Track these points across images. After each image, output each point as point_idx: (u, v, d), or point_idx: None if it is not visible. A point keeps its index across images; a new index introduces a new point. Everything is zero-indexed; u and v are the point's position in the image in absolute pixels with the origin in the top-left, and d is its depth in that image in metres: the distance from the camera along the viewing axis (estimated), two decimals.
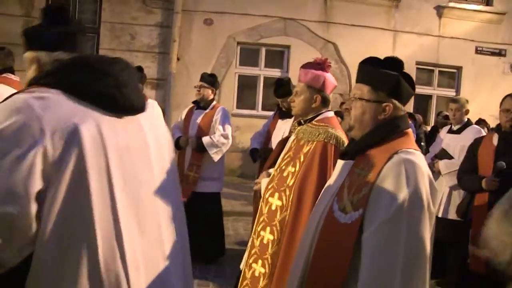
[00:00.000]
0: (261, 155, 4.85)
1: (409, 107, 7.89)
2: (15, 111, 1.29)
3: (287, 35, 9.48)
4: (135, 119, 1.51)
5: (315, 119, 2.79)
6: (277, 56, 9.83)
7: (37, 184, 1.25)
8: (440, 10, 10.14)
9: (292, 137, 2.89)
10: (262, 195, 2.79)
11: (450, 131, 5.01)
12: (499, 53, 10.67)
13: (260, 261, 2.67)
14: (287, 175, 2.67)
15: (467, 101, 5.08)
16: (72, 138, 1.31)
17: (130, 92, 1.49)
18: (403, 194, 1.69)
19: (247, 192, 8.05)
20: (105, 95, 1.42)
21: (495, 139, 3.75)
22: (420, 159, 1.80)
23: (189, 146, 4.93)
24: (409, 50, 9.97)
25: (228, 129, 5.04)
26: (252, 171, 8.40)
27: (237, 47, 9.62)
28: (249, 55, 9.80)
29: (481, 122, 6.62)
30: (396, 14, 9.95)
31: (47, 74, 1.44)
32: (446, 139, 4.99)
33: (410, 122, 2.47)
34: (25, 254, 1.25)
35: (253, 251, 2.72)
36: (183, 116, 5.21)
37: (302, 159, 2.65)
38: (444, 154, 4.76)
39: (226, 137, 4.96)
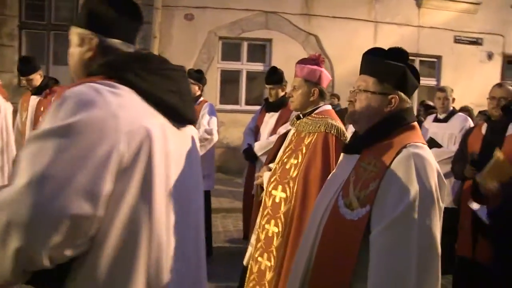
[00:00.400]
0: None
1: None
2: (92, 103, 1.22)
3: (268, 29, 9.49)
4: (187, 129, 1.52)
5: (314, 112, 2.85)
6: (259, 50, 9.84)
7: (109, 186, 1.22)
8: (419, 1, 10.30)
9: (292, 131, 2.93)
10: (265, 189, 2.83)
11: (436, 120, 5.10)
12: (476, 42, 10.88)
13: (265, 255, 2.70)
14: (289, 167, 2.71)
15: (452, 89, 5.17)
16: (144, 142, 1.29)
17: (189, 102, 1.51)
18: (413, 190, 1.64)
19: (234, 188, 8.05)
20: (170, 104, 1.41)
21: (483, 128, 3.81)
22: (428, 153, 1.76)
23: None
24: (390, 41, 10.02)
25: (213, 124, 5.03)
26: (237, 167, 8.40)
27: (218, 42, 9.59)
28: (231, 50, 9.78)
29: (465, 109, 6.70)
30: (377, 5, 10.05)
31: (112, 65, 1.37)
32: (433, 128, 5.07)
33: None
34: (77, 253, 1.22)
35: (258, 245, 2.75)
36: None
37: (304, 151, 2.69)
38: (432, 143, 4.83)
39: (209, 132, 4.95)
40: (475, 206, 3.10)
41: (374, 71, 1.88)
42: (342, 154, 2.05)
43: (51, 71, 8.75)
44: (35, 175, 1.13)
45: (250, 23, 9.47)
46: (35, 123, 4.89)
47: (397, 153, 1.72)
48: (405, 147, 1.74)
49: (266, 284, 2.65)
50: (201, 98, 5.16)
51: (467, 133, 4.06)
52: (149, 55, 1.47)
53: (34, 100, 4.96)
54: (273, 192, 2.73)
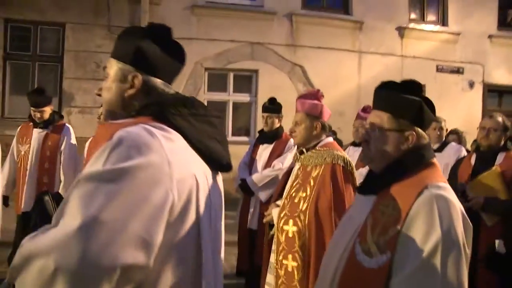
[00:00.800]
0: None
1: None
2: (148, 147, 1.19)
3: (254, 59, 9.57)
4: (219, 176, 1.52)
5: (318, 145, 2.88)
6: (245, 81, 9.89)
7: (161, 235, 1.17)
8: (401, 31, 10.53)
9: (297, 166, 2.96)
10: (276, 225, 2.82)
11: None
12: (458, 71, 11.13)
13: None
14: (298, 201, 2.73)
15: (444, 120, 5.23)
16: (192, 191, 1.28)
17: (228, 150, 1.51)
18: (437, 235, 1.53)
19: (225, 220, 7.89)
20: (214, 152, 1.42)
21: (473, 159, 3.91)
22: (452, 194, 1.66)
23: None
24: (374, 71, 10.25)
25: None
26: (229, 199, 8.29)
27: (204, 73, 9.62)
28: (217, 81, 9.81)
29: (454, 132, 6.77)
30: (361, 35, 10.24)
31: (162, 108, 1.35)
32: None
33: None
34: None
35: (279, 281, 2.73)
36: None
37: (312, 183, 2.72)
38: None
39: None
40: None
41: (389, 106, 1.80)
42: (357, 195, 1.96)
43: None
44: (88, 218, 1.06)
45: (236, 54, 9.54)
46: (41, 157, 4.87)
47: (418, 195, 1.62)
48: (426, 187, 1.64)
49: None
50: None
51: (457, 165, 4.16)
52: (192, 99, 1.46)
53: (39, 133, 4.91)
54: (285, 227, 2.73)
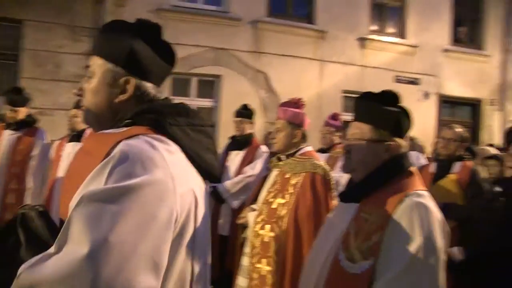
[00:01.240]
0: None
1: None
2: (152, 162, 1.13)
3: (218, 65, 9.61)
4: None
5: (298, 153, 2.93)
6: (208, 86, 9.91)
7: (167, 254, 1.13)
8: (362, 42, 10.85)
9: (275, 172, 3.03)
10: (251, 229, 2.89)
11: None
12: (415, 82, 11.55)
13: None
14: (276, 207, 2.81)
15: None
16: (191, 206, 1.24)
17: (218, 160, 1.45)
18: (418, 242, 1.62)
19: None
20: (209, 164, 1.36)
21: (432, 167, 4.13)
22: (431, 202, 1.75)
23: None
24: (335, 79, 10.52)
25: None
26: None
27: (168, 77, 9.55)
28: (180, 85, 9.78)
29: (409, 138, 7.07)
30: (323, 44, 10.48)
31: (159, 118, 1.27)
32: None
33: None
34: None
35: (253, 284, 2.80)
36: None
37: (291, 191, 2.81)
38: None
39: None
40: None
41: (370, 118, 1.88)
42: (338, 203, 2.04)
43: None
44: (96, 243, 0.99)
45: (200, 59, 9.56)
46: (11, 161, 4.58)
47: (399, 202, 1.71)
48: (407, 195, 1.72)
49: None
50: None
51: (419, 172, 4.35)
52: (186, 107, 1.39)
53: (11, 135, 4.64)
54: (261, 232, 2.80)
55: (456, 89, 12.02)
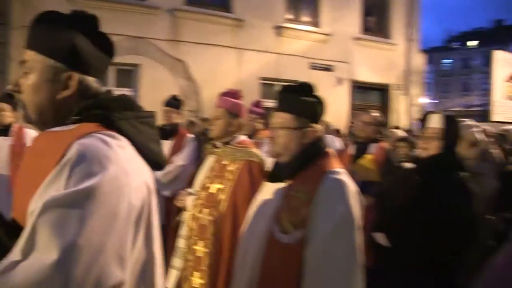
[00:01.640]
0: None
1: None
2: (107, 160, 1.17)
3: (136, 54, 9.56)
4: None
5: (235, 142, 3.15)
6: (127, 75, 9.84)
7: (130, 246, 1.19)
8: (278, 30, 11.26)
9: (212, 158, 3.19)
10: (188, 212, 3.03)
11: None
12: (328, 69, 12.18)
13: (197, 274, 2.90)
14: (214, 192, 2.97)
15: None
16: (145, 198, 1.28)
17: (162, 148, 1.47)
18: (339, 212, 1.92)
19: None
20: (156, 154, 1.40)
21: (351, 149, 4.54)
22: (347, 177, 2.05)
23: None
24: (253, 67, 10.86)
25: None
26: None
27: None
28: None
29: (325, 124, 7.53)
30: (240, 32, 10.75)
31: (108, 113, 1.30)
32: None
33: None
34: None
35: (188, 265, 2.95)
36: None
37: (229, 177, 2.97)
38: None
39: None
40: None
41: (291, 108, 2.13)
42: (266, 184, 2.29)
43: None
44: (65, 248, 1.03)
45: (117, 48, 9.30)
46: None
47: (321, 180, 2.00)
48: (327, 173, 2.02)
49: None
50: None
51: (339, 154, 4.76)
52: (129, 99, 1.42)
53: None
54: (199, 215, 2.95)
55: (367, 75, 12.85)
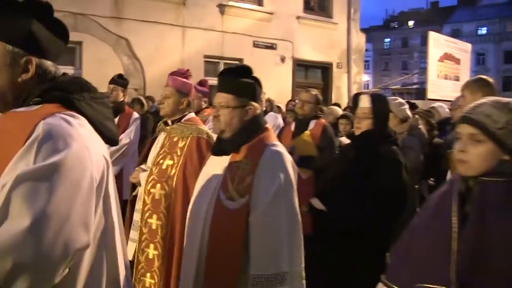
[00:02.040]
0: None
1: None
2: (70, 137, 1.31)
3: (78, 31, 9.40)
4: None
5: (184, 119, 3.34)
6: (69, 53, 9.67)
7: (93, 214, 1.34)
8: (222, 8, 11.37)
9: (163, 135, 3.38)
10: (143, 188, 3.23)
11: None
12: (272, 47, 12.46)
13: (152, 245, 3.12)
14: (166, 167, 3.18)
15: (264, 92, 6.18)
16: (104, 171, 1.44)
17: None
18: (279, 178, 2.17)
19: None
20: (111, 131, 1.56)
21: (293, 126, 4.84)
22: (284, 149, 2.33)
23: None
24: (197, 45, 10.96)
25: None
26: None
27: None
28: None
29: (267, 100, 7.72)
30: (184, 11, 10.79)
31: (67, 94, 1.44)
32: None
33: None
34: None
35: (143, 238, 3.16)
36: None
37: (179, 153, 3.18)
38: None
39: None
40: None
41: (232, 89, 2.34)
42: (211, 157, 2.51)
43: None
44: (36, 215, 1.16)
45: None
46: None
47: (262, 152, 2.25)
48: (267, 146, 2.28)
49: (156, 270, 3.09)
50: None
51: (280, 132, 5.08)
52: (85, 81, 1.56)
53: None
54: (152, 190, 3.15)
55: (309, 53, 13.21)
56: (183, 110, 3.38)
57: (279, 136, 4.98)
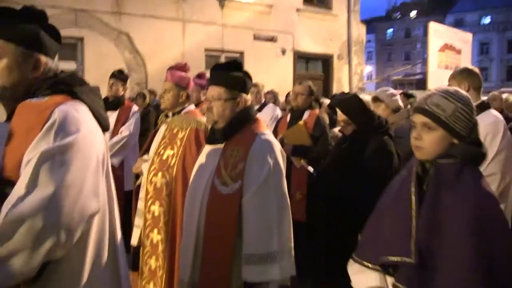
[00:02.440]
0: None
1: None
2: (79, 122, 1.61)
3: (79, 27, 9.59)
4: None
5: (183, 111, 3.52)
6: (70, 49, 9.85)
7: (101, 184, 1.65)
8: (221, 2, 11.55)
9: (163, 127, 3.56)
10: (145, 177, 3.40)
11: None
12: (272, 39, 12.60)
13: (155, 230, 3.31)
14: (166, 157, 3.35)
15: (263, 85, 6.34)
16: (104, 151, 1.74)
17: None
18: (269, 164, 2.34)
19: None
20: (105, 118, 1.84)
21: (288, 117, 4.99)
22: (273, 138, 2.51)
23: None
24: (197, 39, 11.11)
25: None
26: None
27: None
28: None
29: (271, 92, 7.77)
30: (184, 5, 10.94)
31: (72, 87, 1.71)
32: None
33: None
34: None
35: (147, 224, 3.35)
36: None
37: (179, 143, 3.35)
38: None
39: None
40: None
41: (223, 82, 2.50)
42: (206, 146, 2.68)
43: None
44: (59, 185, 1.46)
45: (59, 21, 9.38)
46: None
47: (253, 140, 2.41)
48: (257, 135, 2.44)
49: (160, 253, 3.27)
50: None
51: (278, 122, 5.22)
52: (79, 76, 1.88)
53: None
54: (153, 179, 3.32)
55: (309, 45, 13.36)
56: (183, 103, 3.54)
57: (276, 127, 5.15)
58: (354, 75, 14.52)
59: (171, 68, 3.57)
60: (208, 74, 2.68)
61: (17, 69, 1.68)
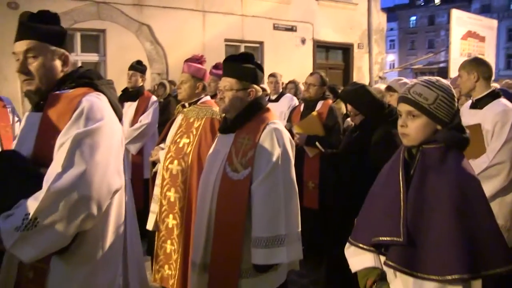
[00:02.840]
0: None
1: None
2: (104, 110, 1.88)
3: (101, 19, 9.79)
4: None
5: (199, 102, 3.66)
6: (93, 41, 10.07)
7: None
8: None
9: (180, 117, 3.71)
10: (162, 164, 3.55)
11: (269, 100, 6.29)
12: (292, 29, 12.63)
13: (171, 215, 3.46)
14: (182, 146, 3.49)
15: (281, 75, 6.43)
16: (122, 136, 1.99)
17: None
18: (277, 152, 2.45)
19: None
20: (120, 109, 2.09)
21: (302, 107, 5.09)
22: (282, 127, 2.59)
23: None
24: (217, 29, 11.22)
25: None
26: None
27: None
28: None
29: (292, 82, 7.78)
30: None
31: (93, 80, 1.99)
32: None
33: None
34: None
35: (163, 209, 3.50)
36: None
37: (195, 132, 3.49)
38: None
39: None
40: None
41: (235, 74, 2.61)
42: (219, 134, 2.81)
43: None
44: (90, 164, 1.71)
45: (81, 14, 9.66)
46: None
47: (263, 129, 2.52)
48: (267, 124, 2.55)
49: (176, 238, 3.42)
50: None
51: (292, 112, 5.34)
52: (96, 71, 2.15)
53: None
54: (170, 166, 3.47)
55: (329, 35, 13.35)
56: (199, 94, 3.68)
57: (291, 116, 5.27)
58: (375, 64, 14.46)
59: (187, 60, 3.71)
60: None
61: (53, 65, 1.96)
